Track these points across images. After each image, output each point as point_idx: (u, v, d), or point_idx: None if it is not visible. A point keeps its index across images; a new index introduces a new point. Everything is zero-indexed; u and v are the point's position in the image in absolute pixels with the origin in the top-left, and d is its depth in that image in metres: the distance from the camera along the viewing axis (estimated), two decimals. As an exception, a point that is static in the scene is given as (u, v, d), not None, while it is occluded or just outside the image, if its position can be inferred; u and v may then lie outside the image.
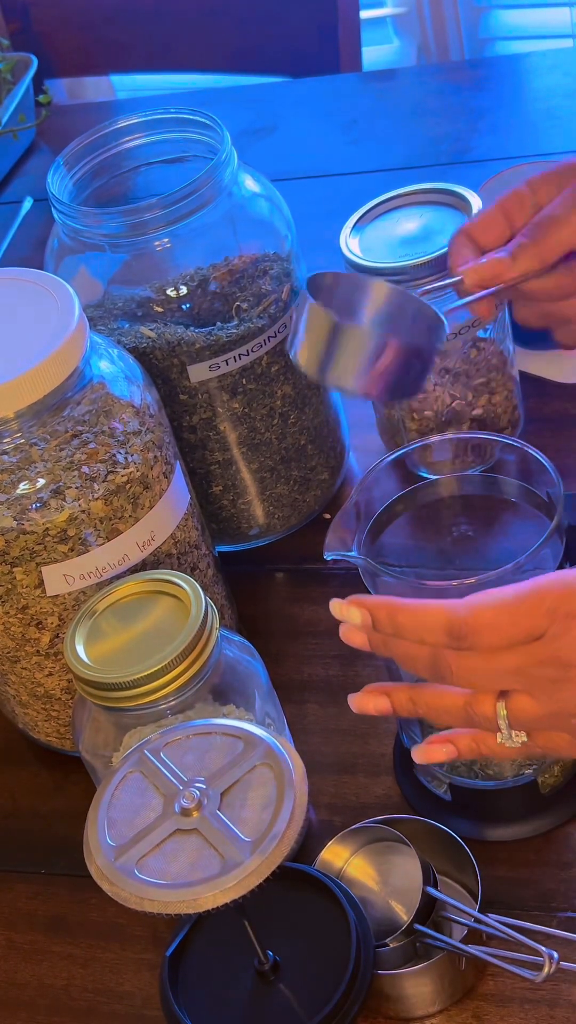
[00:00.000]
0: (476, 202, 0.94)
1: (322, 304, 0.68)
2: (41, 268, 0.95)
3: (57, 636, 0.84)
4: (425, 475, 0.82)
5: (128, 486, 0.81)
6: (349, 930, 0.69)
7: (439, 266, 0.92)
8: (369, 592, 0.76)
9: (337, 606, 0.66)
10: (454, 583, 0.72)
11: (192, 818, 0.62)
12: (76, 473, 0.79)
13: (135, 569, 0.83)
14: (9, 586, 0.81)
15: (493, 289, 0.75)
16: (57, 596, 0.82)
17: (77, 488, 0.79)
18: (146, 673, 0.72)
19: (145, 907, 0.60)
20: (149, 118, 0.96)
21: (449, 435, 0.83)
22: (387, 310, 0.71)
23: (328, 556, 0.74)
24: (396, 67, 2.36)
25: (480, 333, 0.97)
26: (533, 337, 0.97)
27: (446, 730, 0.67)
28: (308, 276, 0.70)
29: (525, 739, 0.64)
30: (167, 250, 0.91)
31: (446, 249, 0.91)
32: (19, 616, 0.83)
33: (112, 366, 0.83)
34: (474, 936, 0.73)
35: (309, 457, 1.02)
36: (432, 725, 0.76)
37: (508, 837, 0.82)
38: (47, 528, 0.79)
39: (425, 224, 0.96)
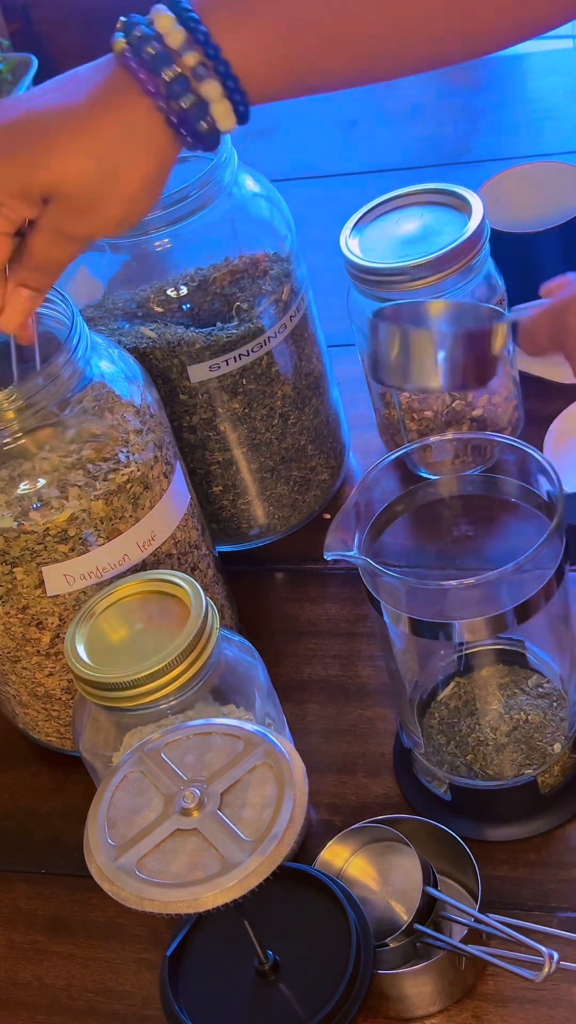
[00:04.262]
0: (476, 202, 0.94)
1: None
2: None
3: (57, 636, 0.84)
4: (425, 475, 0.82)
5: (128, 486, 0.81)
6: (349, 930, 0.69)
7: (439, 266, 0.92)
8: (371, 593, 0.76)
9: None
10: (454, 583, 0.72)
11: (192, 818, 0.62)
12: (76, 473, 0.79)
13: (135, 569, 0.83)
14: (9, 586, 0.81)
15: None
16: (57, 596, 0.82)
17: (78, 487, 0.79)
18: (146, 673, 0.72)
19: (145, 907, 0.60)
20: None
21: (449, 435, 0.83)
22: (448, 318, 0.77)
23: (328, 556, 0.74)
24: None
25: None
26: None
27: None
28: (374, 311, 0.77)
29: None
30: (167, 250, 0.91)
31: (446, 249, 0.92)
32: (19, 616, 0.83)
33: (112, 366, 0.83)
34: (474, 936, 0.73)
35: (309, 457, 1.02)
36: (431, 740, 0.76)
37: (508, 837, 0.82)
38: (47, 528, 0.79)
39: (425, 224, 0.96)
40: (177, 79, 0.67)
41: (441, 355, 0.72)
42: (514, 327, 0.72)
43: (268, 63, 0.69)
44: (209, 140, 0.70)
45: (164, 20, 0.67)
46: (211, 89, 0.67)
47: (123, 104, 0.69)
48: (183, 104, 0.67)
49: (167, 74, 0.67)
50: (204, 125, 0.68)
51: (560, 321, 0.69)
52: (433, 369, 0.72)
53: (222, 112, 0.68)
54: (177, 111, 0.68)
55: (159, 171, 0.71)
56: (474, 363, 0.72)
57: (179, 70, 0.67)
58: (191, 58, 0.67)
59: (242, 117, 0.70)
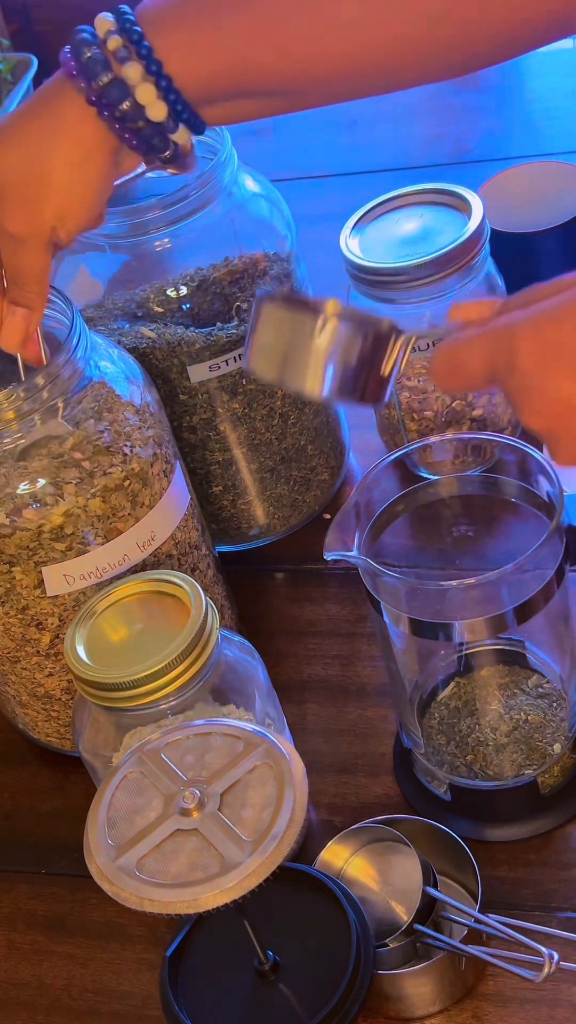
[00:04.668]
0: (476, 202, 0.94)
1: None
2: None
3: (57, 636, 0.84)
4: (425, 475, 0.82)
5: (127, 483, 0.81)
6: (349, 930, 0.69)
7: (439, 266, 0.92)
8: (371, 593, 0.76)
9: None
10: (454, 583, 0.72)
11: (192, 818, 0.62)
12: (73, 471, 0.79)
13: (135, 569, 0.83)
14: (8, 586, 0.81)
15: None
16: (57, 596, 0.82)
17: (74, 485, 0.79)
18: (146, 673, 0.72)
19: (145, 907, 0.60)
20: None
21: (449, 435, 0.83)
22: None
23: (328, 556, 0.74)
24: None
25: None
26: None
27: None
28: (260, 291, 0.68)
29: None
30: (167, 250, 0.91)
31: (446, 249, 0.92)
32: (19, 616, 0.83)
33: (112, 366, 0.83)
34: (474, 936, 0.73)
35: (309, 457, 1.02)
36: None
37: (508, 837, 0.82)
38: (41, 526, 0.79)
39: (425, 224, 0.96)
40: (95, 59, 0.68)
41: (324, 349, 0.62)
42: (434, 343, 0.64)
43: (196, 52, 0.69)
44: (145, 135, 0.70)
45: (100, 18, 0.70)
46: (131, 71, 0.68)
47: (55, 96, 0.71)
48: (101, 81, 0.68)
49: (86, 53, 0.69)
50: (127, 105, 0.69)
51: (504, 353, 0.59)
52: (313, 366, 0.63)
53: (147, 96, 0.69)
54: (96, 90, 0.69)
55: (89, 160, 0.72)
56: (365, 376, 0.63)
57: (99, 52, 0.68)
58: (113, 42, 0.68)
59: (174, 105, 0.69)
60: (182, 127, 0.72)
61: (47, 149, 0.71)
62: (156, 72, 0.69)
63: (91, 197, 0.73)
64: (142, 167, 0.77)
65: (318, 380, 0.63)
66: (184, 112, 0.70)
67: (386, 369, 0.63)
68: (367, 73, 0.72)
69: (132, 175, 0.78)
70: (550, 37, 0.71)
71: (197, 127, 0.72)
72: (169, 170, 0.75)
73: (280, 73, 0.71)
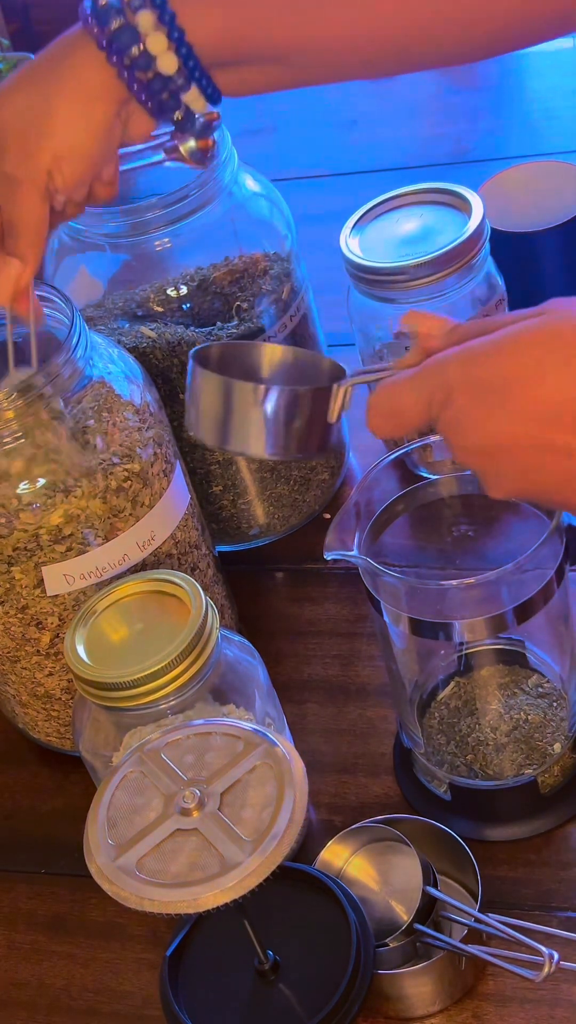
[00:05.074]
0: (476, 202, 0.94)
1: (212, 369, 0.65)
2: (41, 268, 0.95)
3: (57, 636, 0.84)
4: (425, 475, 0.82)
5: (128, 483, 0.81)
6: (349, 930, 0.69)
7: (439, 266, 0.92)
8: (371, 593, 0.76)
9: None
10: (454, 583, 0.72)
11: (192, 818, 0.62)
12: (74, 472, 0.79)
13: (135, 569, 0.83)
14: (8, 586, 0.81)
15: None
16: (57, 596, 0.82)
17: (75, 486, 0.79)
18: (146, 673, 0.72)
19: (145, 907, 0.60)
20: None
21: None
22: (282, 370, 0.67)
23: (328, 556, 0.74)
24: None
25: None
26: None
27: None
28: (193, 350, 0.66)
29: None
30: (167, 250, 0.91)
31: (446, 249, 0.92)
32: (19, 616, 0.83)
33: (112, 366, 0.83)
34: (474, 936, 0.73)
35: (309, 457, 1.02)
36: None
37: (508, 837, 0.82)
38: (40, 527, 0.79)
39: (425, 224, 0.96)
40: (110, 5, 0.69)
41: (267, 415, 0.61)
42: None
43: (210, 9, 0.69)
44: (154, 87, 0.70)
45: None
46: (144, 19, 0.68)
47: (69, 43, 0.71)
48: (113, 26, 0.69)
49: (101, 1, 0.69)
50: (136, 51, 0.69)
51: (438, 391, 0.60)
52: (256, 431, 0.62)
53: (158, 45, 0.69)
54: (108, 35, 0.69)
55: (93, 104, 0.71)
56: (306, 428, 0.62)
57: (114, 0, 0.69)
58: None
59: (185, 60, 0.69)
60: (195, 88, 0.71)
61: (53, 90, 0.71)
62: (169, 23, 0.68)
63: (90, 144, 0.72)
64: (161, 155, 0.76)
65: (262, 446, 0.62)
66: (196, 70, 0.70)
67: (332, 417, 0.63)
68: (376, 48, 0.72)
69: (148, 155, 0.77)
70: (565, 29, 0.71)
71: (211, 93, 0.72)
72: (187, 156, 0.75)
73: (292, 38, 0.71)
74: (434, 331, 0.62)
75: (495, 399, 0.57)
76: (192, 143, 0.78)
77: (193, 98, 0.72)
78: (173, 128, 0.77)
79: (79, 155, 0.72)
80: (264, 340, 0.94)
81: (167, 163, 0.84)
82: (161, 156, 0.84)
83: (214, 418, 0.63)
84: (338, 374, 0.65)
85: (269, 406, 0.61)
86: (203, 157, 0.77)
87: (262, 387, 0.62)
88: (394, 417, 0.62)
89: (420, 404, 0.61)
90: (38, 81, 0.72)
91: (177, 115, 0.72)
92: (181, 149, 0.78)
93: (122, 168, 0.79)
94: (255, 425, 0.62)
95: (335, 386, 0.62)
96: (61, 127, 0.72)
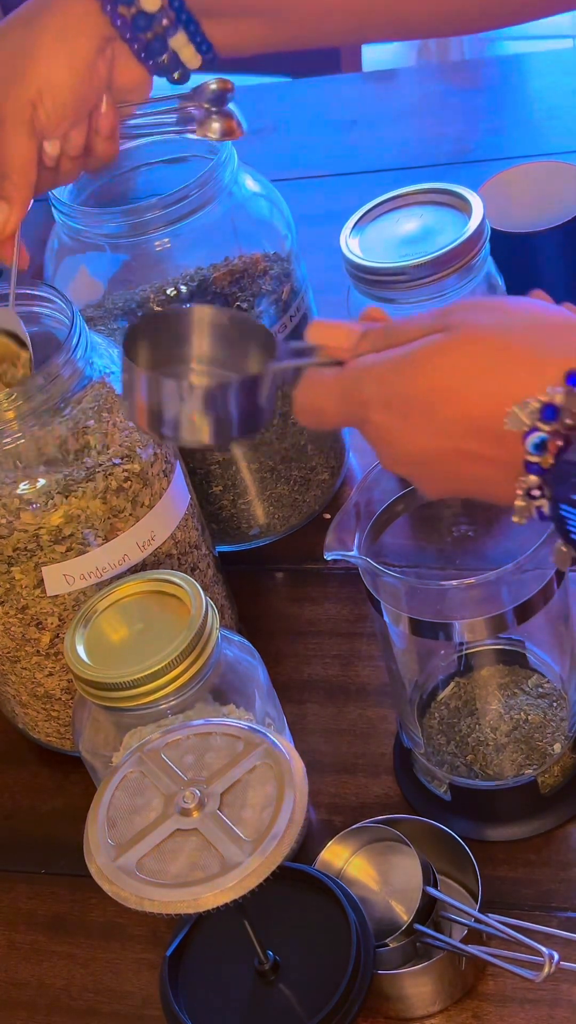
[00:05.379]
0: (476, 202, 0.94)
1: (144, 349, 0.65)
2: (41, 268, 0.95)
3: (57, 636, 0.84)
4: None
5: (128, 483, 0.81)
6: (349, 930, 0.69)
7: (439, 266, 0.92)
8: (371, 593, 0.76)
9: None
10: (454, 583, 0.72)
11: (192, 818, 0.62)
12: (74, 472, 0.79)
13: (135, 569, 0.83)
14: (8, 586, 0.81)
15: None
16: (57, 596, 0.82)
17: (75, 487, 0.79)
18: (146, 673, 0.72)
19: (145, 907, 0.60)
20: (149, 118, 0.96)
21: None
22: (212, 338, 0.67)
23: (328, 556, 0.74)
24: (396, 67, 2.36)
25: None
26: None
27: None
28: (123, 333, 0.65)
29: None
30: (167, 250, 0.91)
31: (446, 249, 0.91)
32: (19, 616, 0.83)
33: (112, 366, 0.83)
34: (474, 936, 0.73)
35: (309, 457, 1.02)
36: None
37: (508, 837, 0.82)
38: (40, 528, 0.79)
39: (425, 224, 0.96)
40: None
41: (196, 408, 0.62)
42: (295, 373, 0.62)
43: None
44: (139, 25, 0.69)
45: None
46: None
47: None
48: None
49: None
50: None
51: (356, 406, 0.62)
52: (187, 423, 0.62)
53: None
54: None
55: (76, 37, 0.71)
56: (238, 414, 0.63)
57: None
58: None
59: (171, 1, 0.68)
60: (182, 34, 0.70)
61: (37, 28, 0.71)
62: None
63: (72, 78, 0.72)
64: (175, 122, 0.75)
65: (194, 435, 0.63)
66: (182, 13, 0.69)
67: (262, 401, 0.64)
68: (369, 8, 0.72)
69: (164, 126, 0.76)
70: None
71: (200, 42, 0.70)
72: (211, 133, 0.74)
73: None
74: (342, 343, 0.64)
75: (416, 416, 0.60)
76: (216, 124, 0.78)
77: (181, 44, 0.71)
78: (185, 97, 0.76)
79: (61, 88, 0.72)
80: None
81: (189, 134, 0.83)
82: (175, 122, 0.83)
83: (148, 410, 0.63)
84: (270, 346, 0.65)
85: (196, 400, 0.62)
86: (230, 133, 0.76)
87: (185, 383, 0.62)
88: (317, 416, 0.65)
89: (339, 414, 0.64)
90: (26, 21, 0.72)
91: (164, 59, 0.71)
92: (206, 126, 0.78)
93: (137, 131, 0.78)
94: (186, 416, 0.62)
95: (262, 372, 0.63)
96: (43, 61, 0.72)
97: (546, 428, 0.55)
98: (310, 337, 0.65)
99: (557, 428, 0.55)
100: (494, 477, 0.59)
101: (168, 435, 0.63)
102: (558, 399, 0.55)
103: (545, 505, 0.57)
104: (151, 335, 0.66)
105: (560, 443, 0.55)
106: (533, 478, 0.57)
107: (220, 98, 0.77)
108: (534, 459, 0.56)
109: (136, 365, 0.63)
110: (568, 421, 0.55)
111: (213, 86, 0.77)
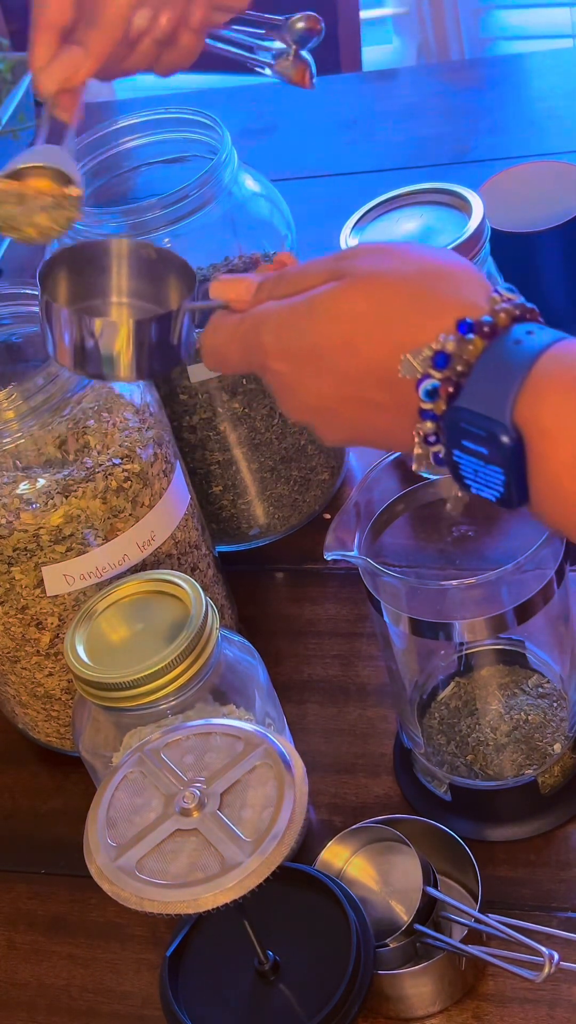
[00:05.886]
0: (476, 202, 0.94)
1: (62, 281, 0.66)
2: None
3: (57, 636, 0.84)
4: (425, 475, 0.82)
5: (128, 483, 0.81)
6: (349, 930, 0.69)
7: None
8: (371, 593, 0.76)
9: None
10: (454, 583, 0.72)
11: (192, 818, 0.62)
12: (74, 472, 0.79)
13: (135, 569, 0.83)
14: (8, 586, 0.81)
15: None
16: (57, 596, 0.82)
17: (76, 487, 0.79)
18: (146, 673, 0.72)
19: (145, 907, 0.60)
20: (149, 118, 0.96)
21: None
22: (131, 271, 0.68)
23: (328, 556, 0.74)
24: (396, 67, 2.36)
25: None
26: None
27: None
28: (41, 264, 0.65)
29: None
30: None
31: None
32: (19, 616, 0.83)
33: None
34: (474, 936, 0.73)
35: (309, 457, 1.02)
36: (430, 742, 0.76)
37: (508, 837, 0.82)
38: (40, 528, 0.79)
39: (425, 224, 0.96)
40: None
41: (111, 342, 0.62)
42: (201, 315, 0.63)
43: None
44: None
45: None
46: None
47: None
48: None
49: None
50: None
51: (256, 354, 0.63)
52: (104, 358, 0.63)
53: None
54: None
55: None
56: (153, 351, 0.64)
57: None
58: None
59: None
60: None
61: None
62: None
63: None
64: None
65: (113, 369, 0.64)
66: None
67: (174, 338, 0.64)
68: None
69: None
70: None
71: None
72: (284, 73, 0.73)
73: None
74: (242, 295, 0.65)
75: (314, 366, 0.61)
76: (291, 69, 0.77)
77: None
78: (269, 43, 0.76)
79: None
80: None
81: (267, 72, 0.82)
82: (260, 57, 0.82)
83: (65, 345, 0.64)
84: (188, 281, 0.66)
85: (110, 335, 0.62)
86: (301, 82, 0.76)
87: (99, 319, 0.63)
88: (221, 361, 0.66)
89: (242, 362, 0.65)
90: None
91: None
92: (284, 65, 0.77)
93: (219, 44, 0.77)
94: (103, 352, 0.63)
95: (175, 312, 0.64)
96: None
97: (437, 375, 0.56)
98: (212, 293, 0.65)
99: (448, 375, 0.56)
100: (392, 424, 0.60)
101: (88, 371, 0.64)
102: (449, 347, 0.56)
103: (441, 451, 0.58)
104: (69, 267, 0.66)
105: (451, 389, 0.56)
106: (429, 425, 0.57)
107: (305, 38, 0.76)
108: (427, 406, 0.57)
109: (54, 299, 0.63)
110: (459, 368, 0.56)
111: (300, 24, 0.76)
